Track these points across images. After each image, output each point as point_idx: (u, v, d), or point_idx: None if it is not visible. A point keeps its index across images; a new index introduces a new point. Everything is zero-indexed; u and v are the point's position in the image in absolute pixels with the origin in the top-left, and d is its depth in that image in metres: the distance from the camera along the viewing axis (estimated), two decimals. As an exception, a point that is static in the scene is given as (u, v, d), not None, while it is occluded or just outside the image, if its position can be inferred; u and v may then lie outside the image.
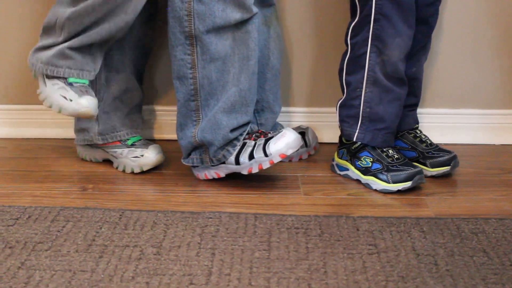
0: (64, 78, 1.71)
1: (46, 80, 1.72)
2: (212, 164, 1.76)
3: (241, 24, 1.66)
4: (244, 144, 1.72)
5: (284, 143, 1.68)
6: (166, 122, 2.12)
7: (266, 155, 1.69)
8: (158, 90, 2.12)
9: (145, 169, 1.86)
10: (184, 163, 1.80)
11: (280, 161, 1.71)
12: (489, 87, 2.09)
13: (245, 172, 1.73)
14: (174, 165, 1.89)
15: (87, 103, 1.68)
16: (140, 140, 1.90)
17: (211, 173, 1.78)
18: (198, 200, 1.69)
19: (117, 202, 1.67)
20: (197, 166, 1.79)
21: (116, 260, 1.36)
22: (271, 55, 1.86)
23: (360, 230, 1.50)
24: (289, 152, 1.68)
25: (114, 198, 1.69)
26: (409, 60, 1.79)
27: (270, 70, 1.86)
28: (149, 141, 1.95)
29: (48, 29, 1.72)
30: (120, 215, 1.56)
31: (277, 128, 1.94)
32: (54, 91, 1.70)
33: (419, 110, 2.03)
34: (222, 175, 1.77)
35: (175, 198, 1.70)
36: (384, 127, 1.77)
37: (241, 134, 1.72)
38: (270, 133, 1.73)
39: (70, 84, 1.70)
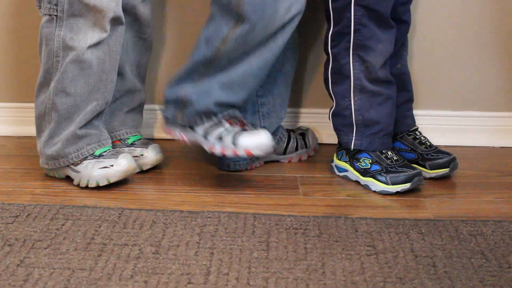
0: (90, 155, 1.73)
1: (76, 168, 1.74)
2: (182, 124, 1.74)
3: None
4: (219, 123, 1.71)
5: (255, 141, 1.66)
6: (166, 121, 2.12)
7: (234, 143, 1.68)
8: (158, 89, 2.12)
9: (144, 168, 1.86)
10: (159, 112, 1.78)
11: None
12: (490, 90, 2.09)
13: (206, 149, 1.71)
14: (174, 164, 1.89)
15: (127, 160, 1.71)
16: (140, 139, 1.90)
17: (176, 133, 1.76)
18: (197, 199, 1.69)
19: (116, 201, 1.67)
20: (167, 119, 1.77)
21: (115, 258, 1.36)
22: (286, 61, 1.86)
23: (358, 231, 1.50)
24: (256, 152, 1.66)
25: (114, 196, 1.70)
26: (392, 58, 1.79)
27: (282, 76, 1.86)
28: (149, 140, 1.95)
29: (41, 119, 1.75)
30: (119, 214, 1.57)
31: (279, 131, 1.94)
32: (91, 169, 1.71)
33: (419, 111, 2.03)
34: (186, 140, 1.74)
35: (174, 198, 1.70)
36: (379, 130, 1.77)
37: (221, 112, 1.71)
38: (248, 126, 1.71)
39: (100, 156, 1.73)
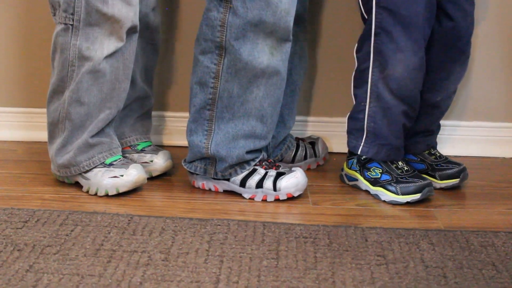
0: (101, 163, 1.73)
1: (86, 175, 1.74)
2: (215, 178, 1.76)
3: (275, 50, 1.64)
4: (254, 170, 1.73)
5: (295, 183, 1.71)
6: (176, 128, 2.12)
7: (274, 189, 1.71)
8: (168, 96, 2.12)
9: (154, 175, 1.86)
10: (184, 166, 1.79)
11: None
12: (500, 100, 2.09)
13: (246, 196, 1.74)
14: (183, 171, 1.89)
15: (137, 171, 1.72)
16: (150, 145, 1.90)
17: (209, 185, 1.78)
18: (207, 207, 1.69)
19: (125, 207, 1.67)
20: (197, 174, 1.79)
21: (124, 265, 1.36)
22: (293, 70, 1.86)
23: (368, 241, 1.49)
24: (296, 193, 1.72)
25: (123, 203, 1.69)
26: (435, 87, 1.77)
27: (289, 86, 1.85)
28: (159, 147, 1.95)
29: (54, 127, 1.75)
30: (129, 221, 1.56)
31: (287, 140, 1.94)
32: (101, 178, 1.72)
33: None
34: (220, 190, 1.78)
35: (183, 205, 1.70)
36: (387, 143, 1.76)
37: (253, 160, 1.74)
38: (280, 166, 1.76)
39: (111, 165, 1.73)
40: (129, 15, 1.65)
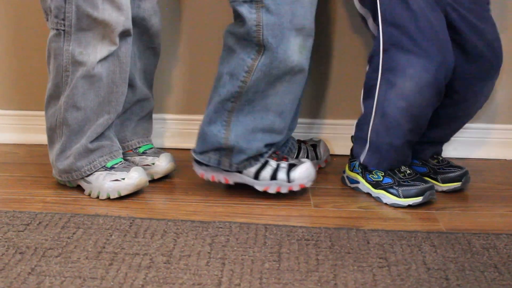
0: (102, 167, 1.73)
1: (87, 179, 1.74)
2: (228, 170, 1.75)
3: (303, 48, 1.64)
4: (266, 162, 1.73)
5: (306, 174, 1.72)
6: (177, 131, 2.12)
7: (288, 180, 1.71)
8: (169, 98, 2.12)
9: (156, 177, 1.86)
10: (195, 156, 1.76)
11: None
12: (502, 102, 2.09)
13: (260, 189, 1.74)
14: (185, 174, 1.89)
15: (138, 174, 1.72)
16: (151, 148, 1.91)
17: (220, 177, 1.77)
18: (209, 209, 1.69)
19: (127, 210, 1.67)
20: (207, 166, 1.78)
21: (126, 268, 1.36)
22: None
23: (370, 243, 1.49)
24: (308, 184, 1.74)
25: (125, 206, 1.69)
26: (460, 101, 1.75)
27: None
28: (161, 149, 1.95)
29: (52, 132, 1.75)
30: (131, 223, 1.57)
31: (289, 142, 1.94)
32: (102, 181, 1.72)
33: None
34: (231, 182, 1.77)
35: (185, 207, 1.70)
36: (389, 157, 1.75)
37: (266, 152, 1.74)
38: (290, 158, 1.76)
39: (112, 168, 1.73)
40: (120, 19, 1.65)
